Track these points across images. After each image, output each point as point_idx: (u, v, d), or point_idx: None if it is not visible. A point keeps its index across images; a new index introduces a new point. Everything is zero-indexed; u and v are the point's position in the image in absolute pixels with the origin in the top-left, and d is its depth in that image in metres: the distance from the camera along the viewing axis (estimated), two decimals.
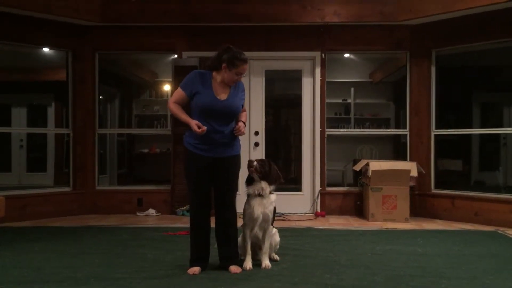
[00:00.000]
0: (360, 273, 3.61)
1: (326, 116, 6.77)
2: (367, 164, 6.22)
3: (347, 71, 8.19)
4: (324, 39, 6.68)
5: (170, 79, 6.79)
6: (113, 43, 6.77)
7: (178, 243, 4.61)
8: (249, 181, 3.73)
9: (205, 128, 3.47)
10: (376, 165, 6.12)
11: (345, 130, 7.87)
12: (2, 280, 3.33)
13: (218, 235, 3.73)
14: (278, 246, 4.04)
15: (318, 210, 6.64)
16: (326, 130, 6.76)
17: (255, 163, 3.67)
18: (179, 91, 3.63)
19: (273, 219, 3.82)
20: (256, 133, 6.79)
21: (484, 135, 6.85)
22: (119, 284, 3.28)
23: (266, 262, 3.73)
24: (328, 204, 6.69)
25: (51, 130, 8.01)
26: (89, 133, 6.78)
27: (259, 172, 3.67)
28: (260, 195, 3.68)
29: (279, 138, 7.88)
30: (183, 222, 5.70)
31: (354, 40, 6.68)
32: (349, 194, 6.75)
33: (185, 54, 6.68)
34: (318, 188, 6.69)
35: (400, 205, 6.06)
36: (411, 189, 6.24)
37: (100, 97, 7.08)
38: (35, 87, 8.86)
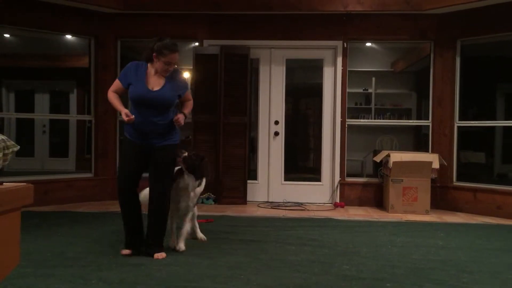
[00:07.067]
0: (379, 265, 3.60)
1: (346, 106, 6.72)
2: (388, 155, 6.15)
3: (368, 60, 8.06)
4: (346, 28, 6.59)
5: (191, 67, 6.80)
6: (135, 30, 6.79)
7: None
8: (180, 172, 3.82)
9: (132, 117, 3.56)
10: (397, 157, 6.05)
11: (365, 120, 7.79)
12: (26, 264, 3.39)
13: (149, 222, 3.76)
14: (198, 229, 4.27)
15: (337, 200, 6.62)
16: (347, 120, 6.70)
17: (185, 154, 3.73)
18: (117, 82, 3.78)
19: (195, 204, 4.05)
20: (276, 122, 6.77)
21: (508, 127, 6.71)
22: (141, 270, 3.33)
23: (180, 245, 3.85)
24: (347, 195, 6.66)
25: (73, 116, 8.11)
26: (111, 120, 6.85)
27: (185, 164, 3.72)
28: (185, 189, 3.80)
29: (299, 127, 7.84)
30: (202, 210, 5.74)
31: (377, 29, 6.58)
32: (369, 185, 6.70)
33: (206, 42, 6.67)
34: (337, 178, 6.66)
35: (421, 197, 6.00)
36: (432, 181, 6.15)
37: None
38: (58, 74, 8.96)
